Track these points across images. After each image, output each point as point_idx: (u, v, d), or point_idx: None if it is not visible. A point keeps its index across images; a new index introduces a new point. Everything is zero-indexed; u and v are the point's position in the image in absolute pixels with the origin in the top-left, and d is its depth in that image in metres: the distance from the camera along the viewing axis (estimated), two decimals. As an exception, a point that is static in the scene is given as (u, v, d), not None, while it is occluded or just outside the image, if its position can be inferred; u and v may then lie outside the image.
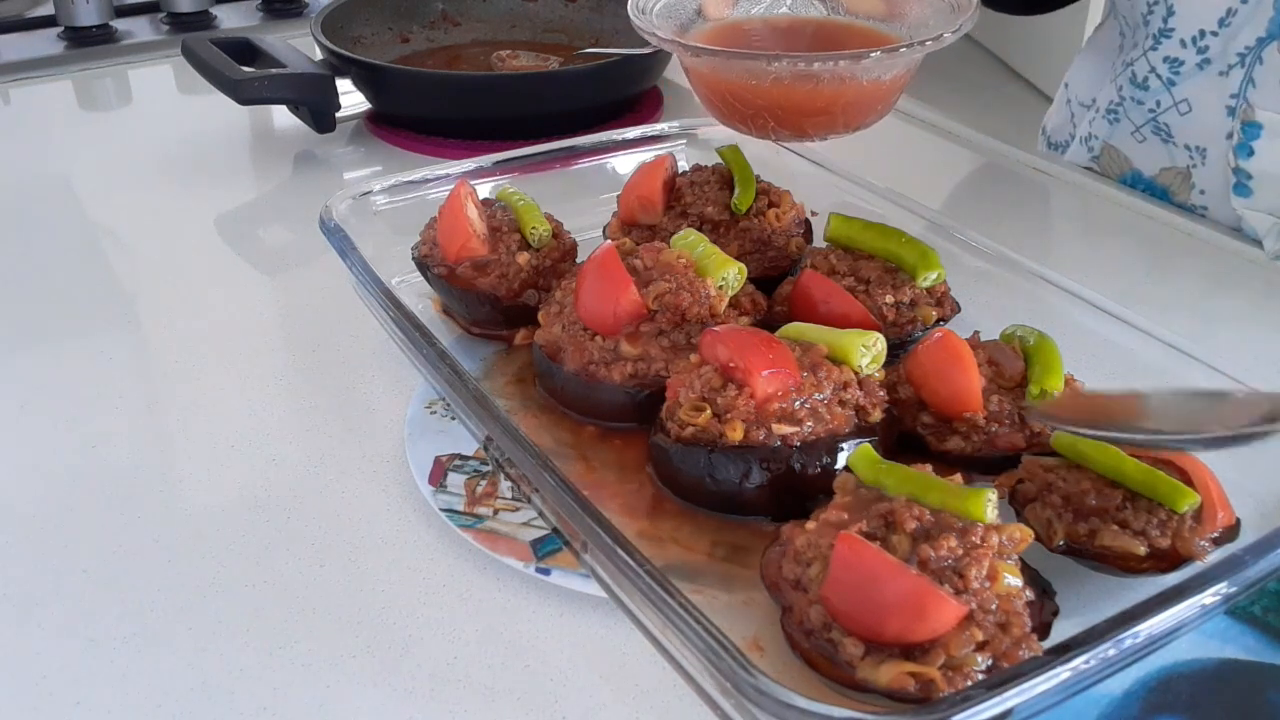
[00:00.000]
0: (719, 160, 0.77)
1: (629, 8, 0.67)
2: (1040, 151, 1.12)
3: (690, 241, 0.65)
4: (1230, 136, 0.88)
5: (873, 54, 0.60)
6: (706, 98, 0.66)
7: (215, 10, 1.41)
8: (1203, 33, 0.88)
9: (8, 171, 1.04)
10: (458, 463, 0.61)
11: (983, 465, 0.58)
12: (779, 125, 0.63)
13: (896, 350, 0.63)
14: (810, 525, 0.48)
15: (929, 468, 0.49)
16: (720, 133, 0.86)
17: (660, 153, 0.78)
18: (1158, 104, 0.93)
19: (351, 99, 1.05)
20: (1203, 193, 0.93)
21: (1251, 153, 0.86)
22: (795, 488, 0.53)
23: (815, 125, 0.64)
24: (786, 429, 0.53)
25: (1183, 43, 0.89)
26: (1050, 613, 0.47)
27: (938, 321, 0.67)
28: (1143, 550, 0.50)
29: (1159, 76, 0.91)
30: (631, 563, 0.45)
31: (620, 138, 0.85)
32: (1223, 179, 0.90)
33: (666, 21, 0.67)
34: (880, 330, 0.59)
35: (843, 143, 0.76)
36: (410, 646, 0.51)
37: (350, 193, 0.73)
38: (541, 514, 0.56)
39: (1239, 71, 0.86)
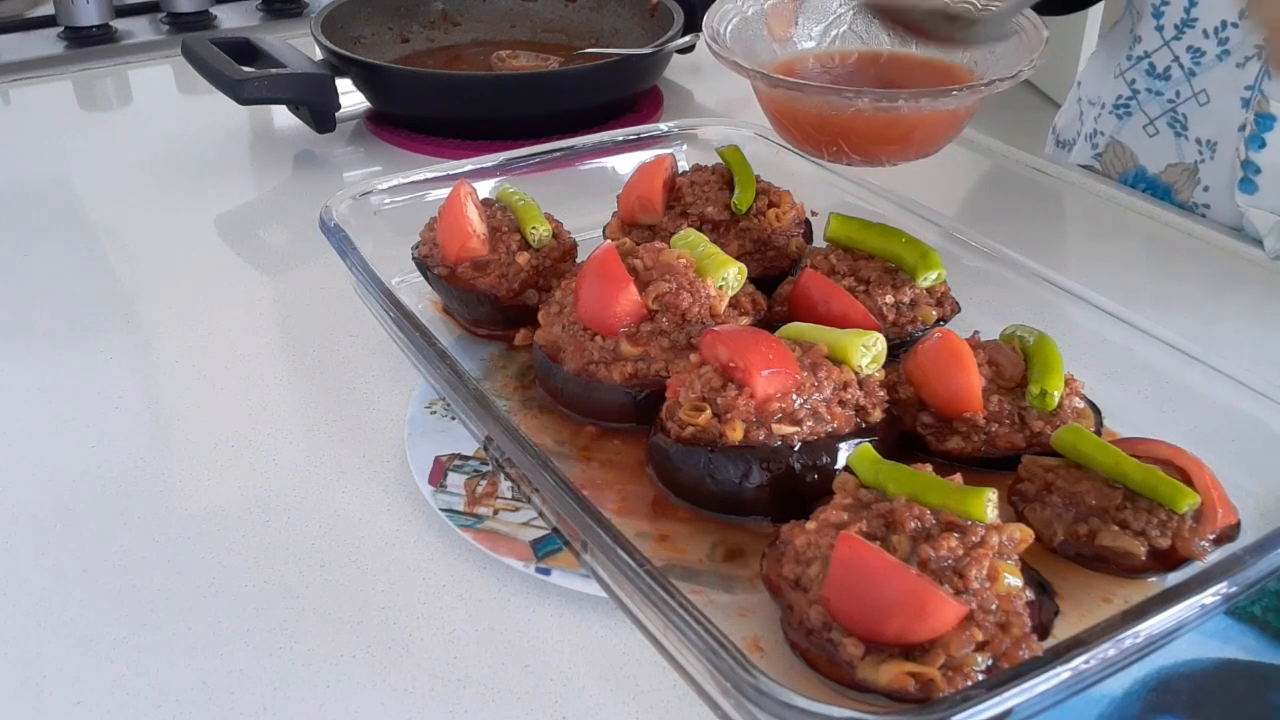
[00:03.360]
0: (719, 160, 0.77)
1: (704, 35, 0.67)
2: (1048, 151, 1.12)
3: (690, 241, 0.65)
4: (1243, 128, 0.88)
5: (954, 92, 0.61)
6: (780, 123, 0.67)
7: (215, 10, 1.41)
8: (1224, 24, 0.89)
9: (8, 171, 1.04)
10: (458, 463, 0.61)
11: (983, 465, 0.58)
12: (853, 151, 0.64)
13: (896, 350, 0.63)
14: (810, 525, 0.48)
15: (929, 468, 0.49)
16: (720, 133, 0.86)
17: (660, 153, 0.78)
18: (1177, 94, 0.94)
19: (351, 99, 1.05)
20: (1207, 189, 0.93)
21: (1263, 144, 0.87)
22: (795, 488, 0.53)
23: (889, 152, 0.65)
24: (786, 429, 0.53)
25: (1205, 33, 0.91)
26: (1050, 613, 0.47)
27: (938, 321, 0.67)
28: (1143, 550, 0.50)
29: (1181, 66, 0.93)
30: (631, 563, 0.45)
31: (620, 138, 0.85)
32: (1229, 175, 0.90)
33: (738, 43, 0.68)
34: (880, 330, 0.59)
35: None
36: (410, 646, 0.51)
37: (350, 193, 0.74)
38: (541, 514, 0.56)
39: (1256, 64, 0.87)
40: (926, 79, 0.66)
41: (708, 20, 0.67)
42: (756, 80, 0.63)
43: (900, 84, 0.65)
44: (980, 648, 0.43)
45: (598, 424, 0.62)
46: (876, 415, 0.56)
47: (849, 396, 0.55)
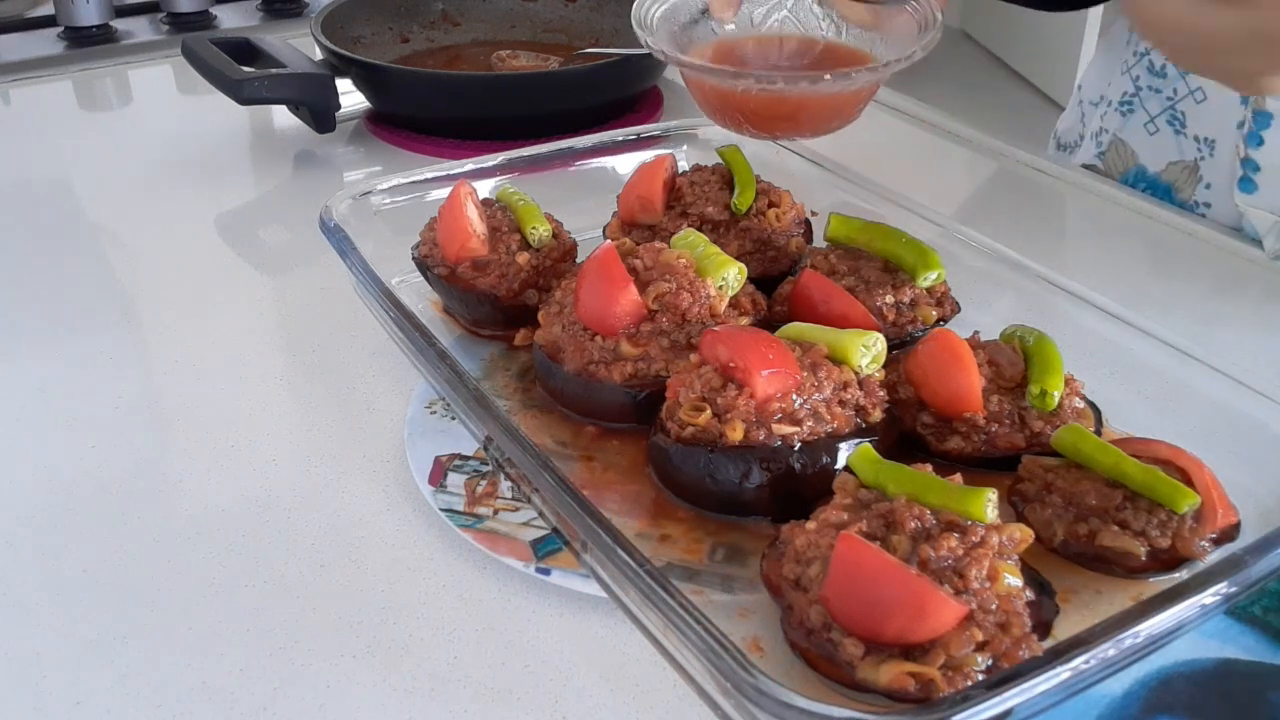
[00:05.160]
0: (719, 160, 0.77)
1: (632, 14, 0.70)
2: (1049, 154, 1.12)
3: (690, 241, 0.65)
4: (1241, 125, 0.88)
5: (826, 78, 0.66)
6: (693, 95, 0.73)
7: (215, 10, 1.41)
8: None
9: (8, 171, 1.04)
10: (458, 463, 0.61)
11: (983, 465, 0.58)
12: (751, 126, 0.70)
13: (896, 350, 0.63)
14: (810, 525, 0.48)
15: (929, 468, 0.49)
16: (720, 133, 0.86)
17: (660, 153, 0.78)
18: (1175, 91, 0.94)
19: (351, 99, 1.05)
20: (1208, 187, 0.93)
21: (1261, 141, 0.87)
22: (795, 488, 0.53)
23: (782, 129, 0.71)
24: (786, 429, 0.53)
25: None
26: (1050, 613, 0.47)
27: (938, 321, 0.67)
28: (1143, 550, 0.50)
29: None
30: (631, 563, 0.45)
31: (620, 138, 0.85)
32: (1229, 173, 0.90)
33: (665, 24, 0.71)
34: (880, 330, 0.59)
35: (844, 143, 0.76)
36: (410, 646, 0.51)
37: (350, 193, 0.74)
38: (541, 514, 0.56)
39: None
40: (842, 65, 0.71)
41: (638, 4, 0.72)
42: (661, 57, 0.69)
43: (820, 70, 0.72)
44: (980, 648, 0.43)
45: (598, 424, 0.62)
46: (876, 415, 0.56)
47: (849, 396, 0.55)
